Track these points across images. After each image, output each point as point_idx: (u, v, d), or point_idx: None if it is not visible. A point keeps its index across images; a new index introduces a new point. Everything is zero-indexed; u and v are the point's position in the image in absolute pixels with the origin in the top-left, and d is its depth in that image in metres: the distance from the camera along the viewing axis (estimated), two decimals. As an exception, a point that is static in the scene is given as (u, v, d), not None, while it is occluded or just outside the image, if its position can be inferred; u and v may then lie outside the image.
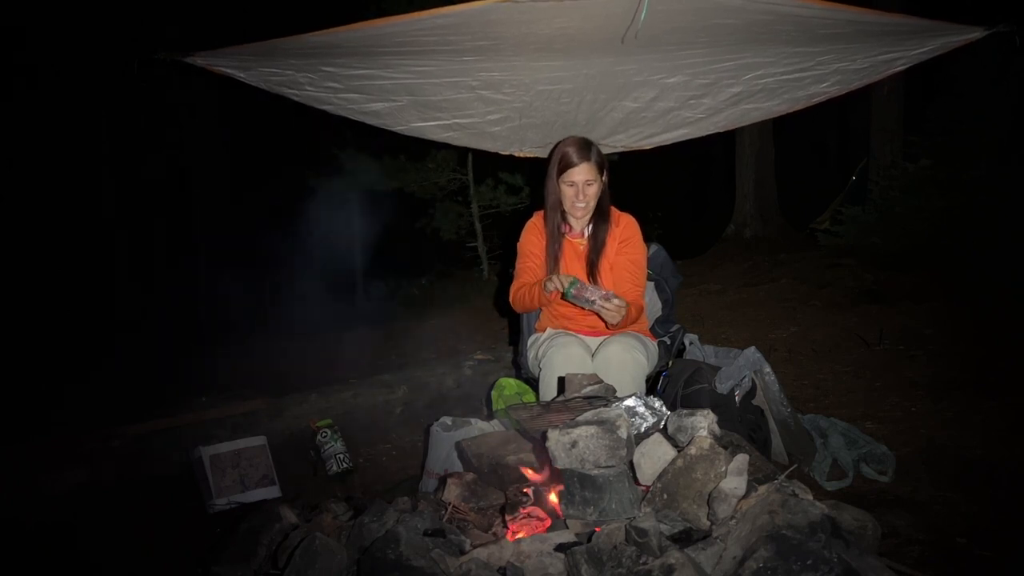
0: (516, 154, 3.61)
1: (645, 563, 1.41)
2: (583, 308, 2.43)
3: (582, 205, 2.61)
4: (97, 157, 9.93)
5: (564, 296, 2.40)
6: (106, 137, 9.90)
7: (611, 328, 2.55)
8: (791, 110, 3.31)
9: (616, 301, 2.33)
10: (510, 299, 2.74)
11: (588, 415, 1.73)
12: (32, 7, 8.59)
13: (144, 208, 10.66)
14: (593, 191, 2.60)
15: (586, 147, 2.60)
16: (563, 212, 2.69)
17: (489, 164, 7.03)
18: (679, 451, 1.64)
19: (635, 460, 1.67)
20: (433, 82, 2.86)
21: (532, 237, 2.75)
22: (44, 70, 9.26)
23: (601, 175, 2.62)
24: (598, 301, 2.34)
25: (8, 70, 8.62)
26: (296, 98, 2.96)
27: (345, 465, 3.03)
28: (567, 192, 2.61)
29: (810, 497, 1.53)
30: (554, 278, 2.41)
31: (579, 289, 2.36)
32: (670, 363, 2.81)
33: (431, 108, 3.10)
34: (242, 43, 2.47)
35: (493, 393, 2.89)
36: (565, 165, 2.58)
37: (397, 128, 3.27)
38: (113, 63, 8.69)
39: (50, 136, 9.25)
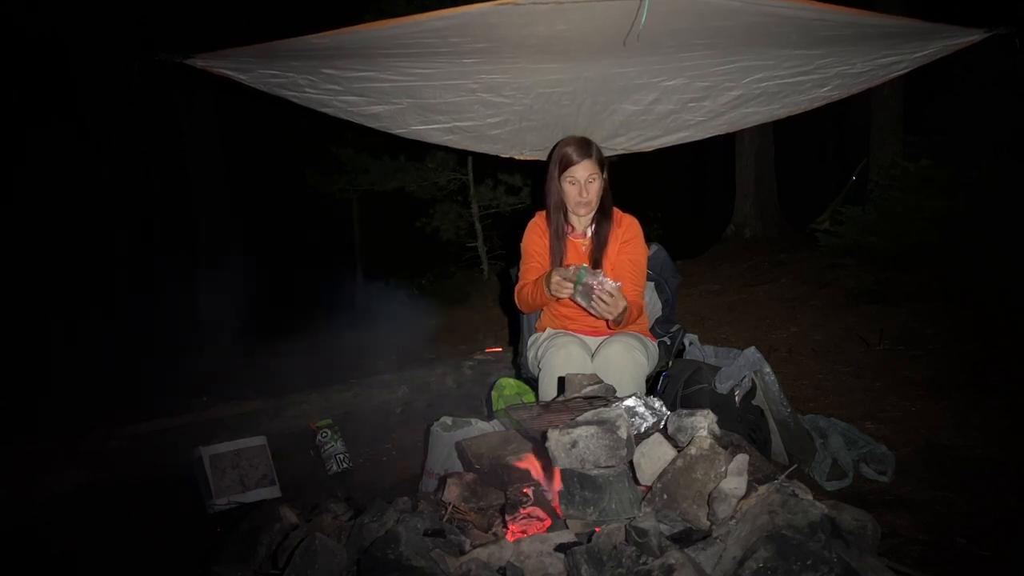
0: (516, 157, 3.61)
1: (645, 563, 1.41)
2: (584, 303, 2.38)
3: (585, 203, 2.61)
4: (97, 156, 9.93)
5: (575, 284, 2.34)
6: (106, 135, 9.90)
7: (611, 328, 2.55)
8: (791, 114, 3.31)
9: (611, 286, 2.28)
10: (516, 300, 2.75)
11: (588, 415, 1.73)
12: (34, 8, 8.59)
13: (143, 208, 10.67)
14: (595, 188, 2.61)
15: (586, 145, 2.61)
16: (565, 212, 2.70)
17: (489, 164, 7.04)
18: (679, 451, 1.64)
19: (635, 460, 1.67)
20: (433, 85, 2.86)
21: (535, 237, 2.76)
22: (45, 70, 9.27)
23: (602, 172, 2.63)
24: (595, 288, 2.29)
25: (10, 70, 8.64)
26: (296, 100, 2.96)
27: (345, 465, 3.03)
28: (569, 190, 2.62)
29: (810, 497, 1.53)
30: (557, 279, 2.37)
31: (589, 276, 2.31)
32: (670, 363, 2.81)
33: (431, 111, 3.10)
34: (242, 45, 2.47)
35: (493, 393, 2.89)
36: (566, 163, 2.59)
37: (397, 131, 3.27)
38: (112, 63, 8.70)
39: (49, 134, 9.25)
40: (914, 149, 6.16)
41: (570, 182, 2.60)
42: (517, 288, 2.74)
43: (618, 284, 2.32)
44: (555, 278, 2.38)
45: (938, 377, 3.35)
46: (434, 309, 6.31)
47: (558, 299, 2.55)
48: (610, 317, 2.36)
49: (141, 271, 10.20)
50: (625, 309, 2.37)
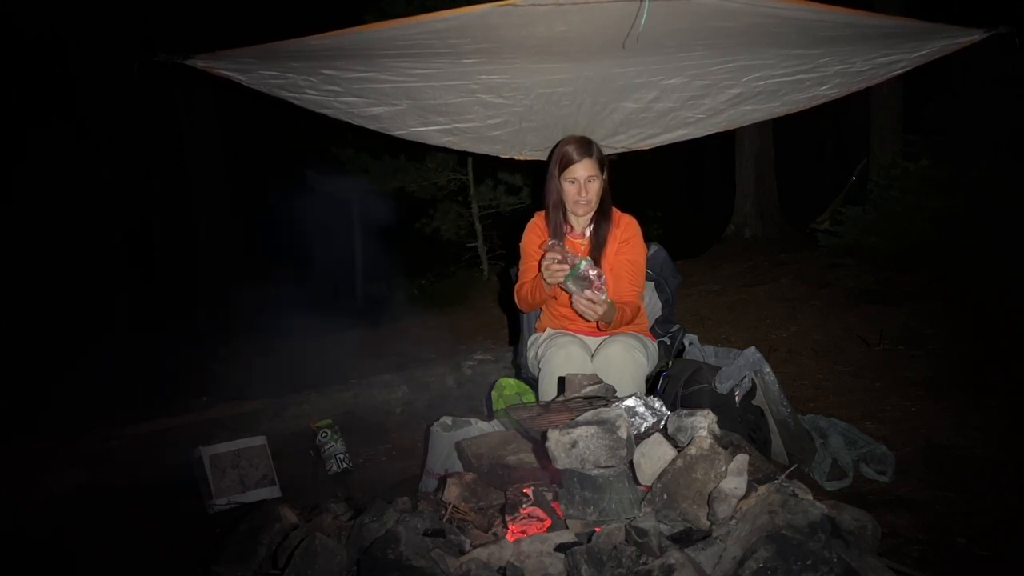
0: (516, 158, 3.61)
1: (645, 563, 1.41)
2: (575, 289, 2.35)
3: (584, 202, 2.61)
4: (97, 156, 9.93)
5: (571, 272, 2.32)
6: (106, 135, 9.90)
7: (610, 328, 2.55)
8: (791, 112, 3.32)
9: (596, 295, 2.29)
10: (515, 300, 2.75)
11: (588, 415, 1.73)
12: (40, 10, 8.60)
13: (143, 208, 10.67)
14: (595, 188, 2.61)
15: (587, 144, 2.61)
16: (564, 212, 2.70)
17: (489, 164, 7.04)
18: (679, 451, 1.64)
19: (635, 460, 1.67)
20: (433, 86, 2.86)
21: (534, 237, 2.76)
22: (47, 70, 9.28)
23: (602, 172, 2.63)
24: (593, 282, 2.28)
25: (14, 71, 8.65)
26: (296, 101, 2.96)
27: (345, 465, 3.03)
28: (569, 190, 2.62)
29: (810, 497, 1.53)
30: (547, 261, 2.35)
31: (589, 268, 2.29)
32: (670, 363, 2.81)
33: (431, 112, 3.10)
34: (242, 45, 2.47)
35: (493, 393, 2.89)
36: (567, 162, 2.59)
37: (397, 132, 3.27)
38: (112, 63, 8.71)
39: (49, 134, 9.25)
40: (914, 149, 6.16)
41: (570, 181, 2.61)
42: (516, 287, 2.74)
43: (606, 297, 2.32)
44: (546, 260, 2.37)
45: (938, 377, 3.35)
46: (434, 309, 6.31)
47: (555, 297, 2.55)
48: (589, 318, 2.36)
49: (141, 271, 10.20)
50: (612, 311, 2.38)
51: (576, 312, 2.41)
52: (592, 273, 2.29)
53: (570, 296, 2.38)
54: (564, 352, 2.50)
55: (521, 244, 2.78)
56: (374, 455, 3.28)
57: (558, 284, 2.38)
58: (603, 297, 2.31)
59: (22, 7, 8.48)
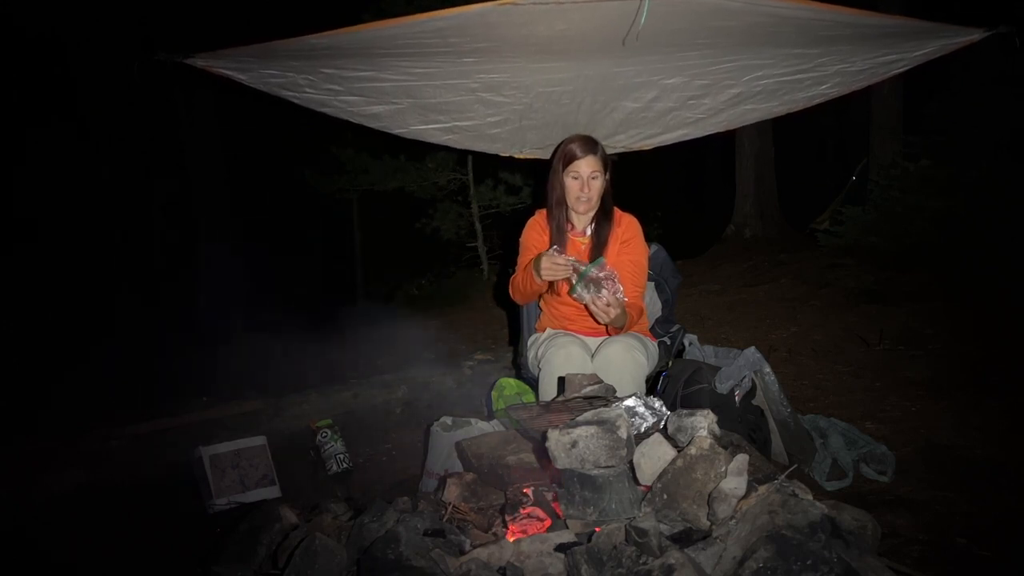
0: (516, 156, 3.61)
1: (645, 563, 1.41)
2: (584, 294, 2.33)
3: (586, 199, 2.61)
4: (97, 156, 9.92)
5: (580, 276, 2.30)
6: (106, 135, 9.90)
7: (610, 329, 2.55)
8: (790, 111, 3.32)
9: (612, 298, 2.29)
10: (510, 290, 2.74)
11: (588, 415, 1.73)
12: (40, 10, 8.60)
13: (143, 207, 10.67)
14: (597, 185, 2.61)
15: (591, 142, 2.62)
16: (566, 210, 2.70)
17: (489, 164, 7.04)
18: (679, 451, 1.64)
19: (635, 460, 1.67)
20: (434, 84, 2.86)
21: (534, 233, 2.76)
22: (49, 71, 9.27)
23: (605, 171, 2.63)
24: (605, 294, 2.27)
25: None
26: (296, 100, 2.96)
27: (345, 465, 3.02)
28: (571, 186, 2.62)
29: (810, 497, 1.53)
30: (547, 263, 2.35)
31: (599, 270, 2.28)
32: (670, 363, 2.81)
33: (431, 111, 3.11)
34: (242, 44, 2.47)
35: (493, 393, 2.89)
36: (570, 158, 2.59)
37: (397, 131, 3.28)
38: (112, 63, 8.70)
39: (49, 134, 9.25)
40: (914, 149, 6.16)
41: (573, 177, 2.61)
42: (512, 277, 2.73)
43: (622, 295, 2.31)
44: (545, 261, 2.36)
45: (938, 377, 3.35)
46: (434, 309, 6.31)
47: (549, 290, 2.55)
48: (603, 320, 2.36)
49: (140, 271, 10.20)
50: (624, 316, 2.38)
51: (589, 313, 2.40)
52: (601, 275, 2.29)
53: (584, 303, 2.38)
54: (564, 352, 2.50)
55: (521, 238, 2.78)
56: (374, 455, 3.27)
57: (556, 279, 2.39)
58: (619, 296, 2.30)
59: (22, 7, 8.47)
